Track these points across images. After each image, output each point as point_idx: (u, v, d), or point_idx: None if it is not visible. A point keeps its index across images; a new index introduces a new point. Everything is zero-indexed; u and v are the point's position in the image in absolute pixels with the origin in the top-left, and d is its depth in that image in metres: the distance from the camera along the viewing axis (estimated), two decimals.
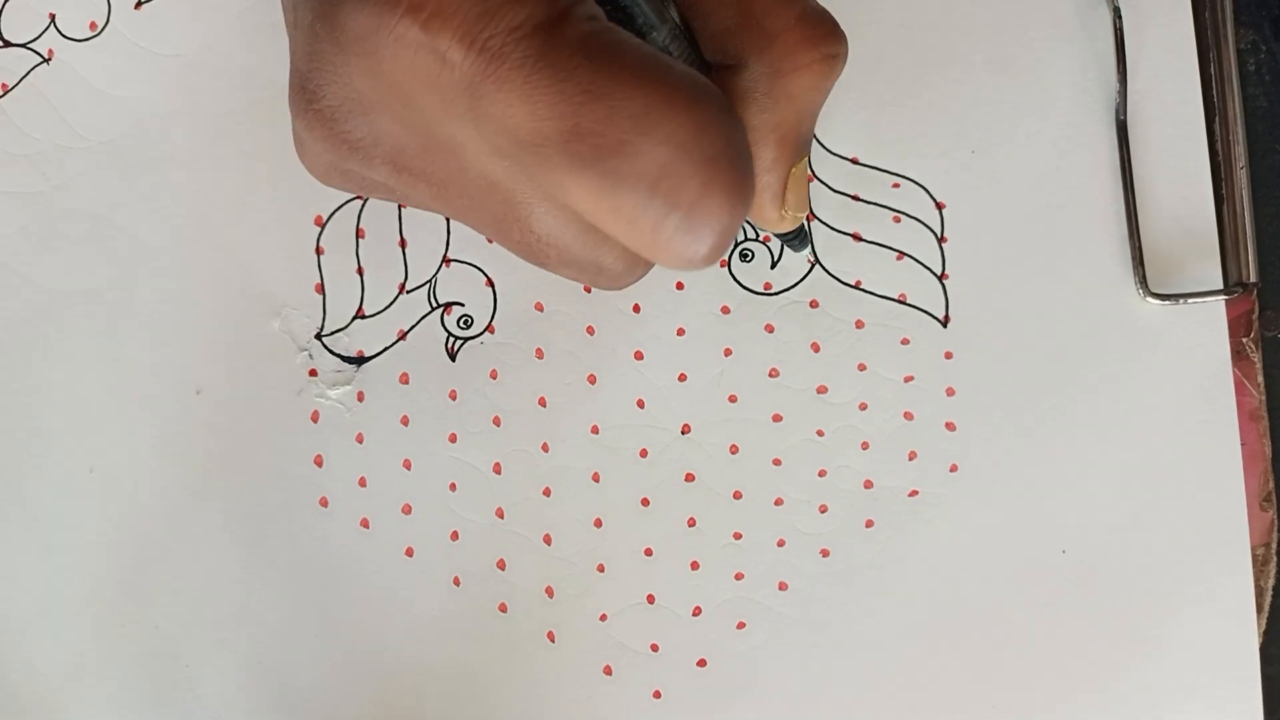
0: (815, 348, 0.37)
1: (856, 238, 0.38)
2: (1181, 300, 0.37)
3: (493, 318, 0.37)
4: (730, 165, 0.24)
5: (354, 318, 0.37)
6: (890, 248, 0.38)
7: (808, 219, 0.37)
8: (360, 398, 0.37)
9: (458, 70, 0.23)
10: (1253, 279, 0.37)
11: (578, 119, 0.23)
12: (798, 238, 0.34)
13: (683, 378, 0.37)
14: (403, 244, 0.37)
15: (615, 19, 0.25)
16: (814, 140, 0.38)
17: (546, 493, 0.37)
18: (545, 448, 0.37)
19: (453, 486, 0.37)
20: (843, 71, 0.27)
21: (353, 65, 0.25)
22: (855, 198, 0.38)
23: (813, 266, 0.37)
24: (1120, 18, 0.38)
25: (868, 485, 0.37)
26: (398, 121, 0.26)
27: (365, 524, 0.37)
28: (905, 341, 0.37)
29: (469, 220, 0.29)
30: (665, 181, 0.23)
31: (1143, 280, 0.37)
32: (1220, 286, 0.37)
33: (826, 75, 0.27)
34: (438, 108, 0.25)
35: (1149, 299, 0.37)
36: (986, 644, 0.36)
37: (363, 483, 0.37)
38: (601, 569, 0.37)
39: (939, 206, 0.38)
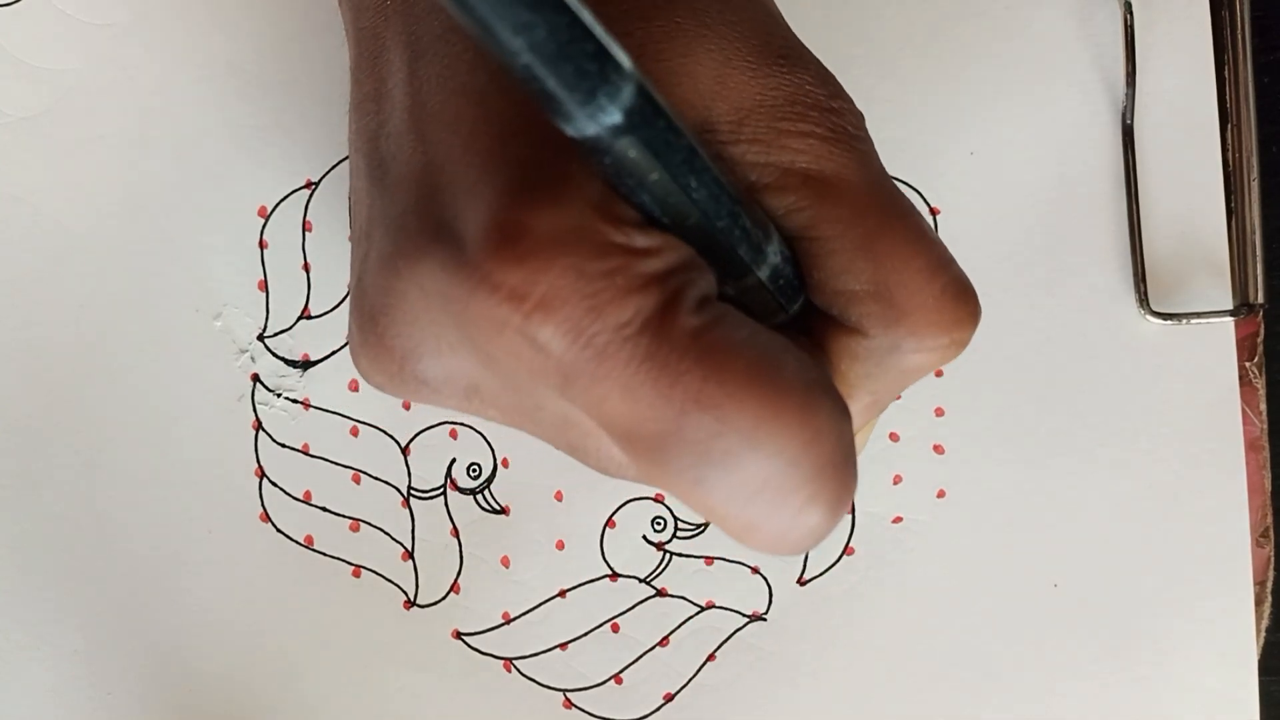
0: None
1: None
2: (1184, 320, 0.35)
3: None
4: (837, 473, 0.22)
5: (299, 318, 0.34)
6: None
7: None
8: (306, 405, 0.34)
9: (554, 360, 0.21)
10: (1260, 299, 0.35)
11: (680, 426, 0.21)
12: None
13: None
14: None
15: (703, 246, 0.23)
16: None
17: (506, 511, 0.34)
18: (505, 463, 0.34)
19: (404, 503, 0.34)
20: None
21: (435, 314, 0.23)
22: None
23: None
24: (1131, 13, 0.36)
25: (849, 510, 0.35)
26: (477, 366, 0.24)
27: (310, 541, 0.34)
28: None
29: (537, 435, 0.26)
30: (768, 493, 0.21)
31: (1144, 298, 0.35)
32: (1228, 307, 0.35)
33: (949, 358, 0.25)
34: (525, 376, 0.22)
35: (1150, 317, 0.35)
36: (971, 682, 0.35)
37: (308, 497, 0.34)
38: (563, 594, 0.34)
39: (934, 212, 0.35)
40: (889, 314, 0.24)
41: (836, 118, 0.24)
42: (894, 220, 0.24)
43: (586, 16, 0.18)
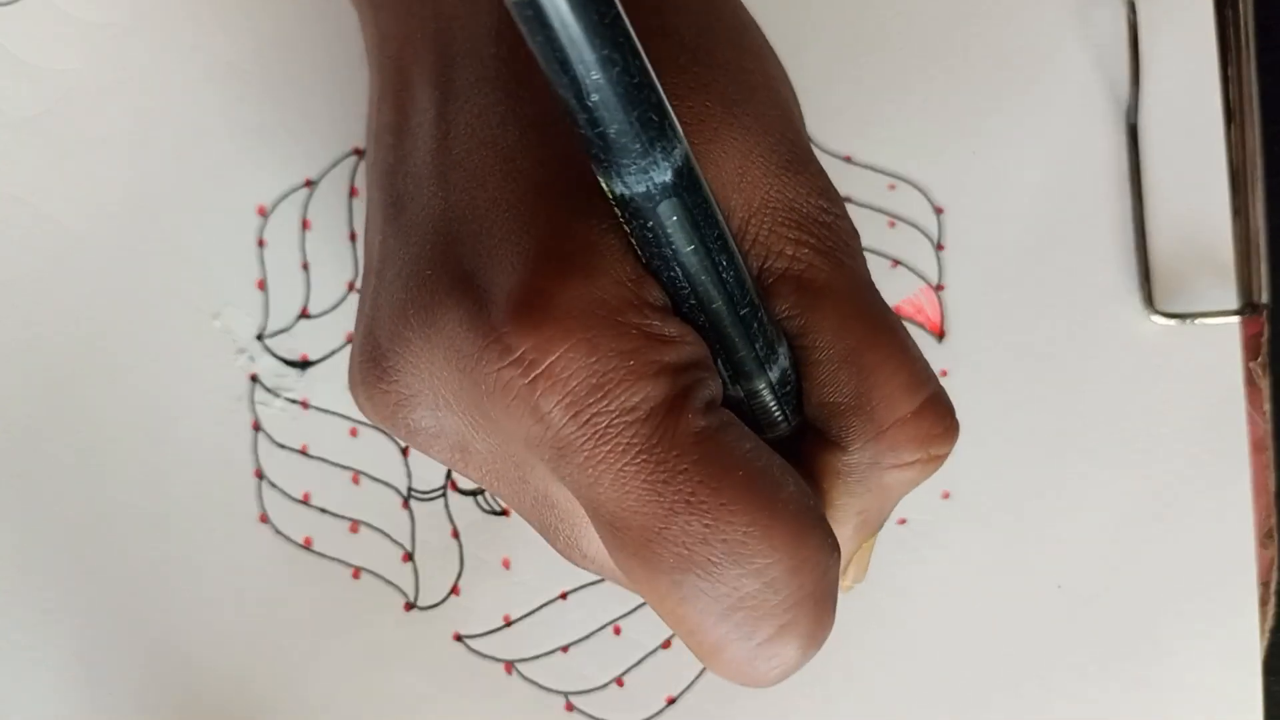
0: None
1: None
2: (1189, 320, 0.35)
3: None
4: (816, 609, 0.22)
5: (298, 317, 0.34)
6: (883, 254, 0.35)
7: None
8: (305, 405, 0.34)
9: (552, 432, 0.21)
10: (1265, 299, 0.35)
11: (667, 525, 0.20)
12: None
13: None
14: (353, 237, 0.34)
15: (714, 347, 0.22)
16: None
17: (507, 513, 0.34)
18: None
19: (405, 504, 0.34)
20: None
21: (437, 368, 0.23)
22: (847, 200, 0.35)
23: None
24: (1135, 12, 0.35)
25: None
26: (470, 427, 0.24)
27: (308, 543, 0.34)
28: None
29: (511, 505, 0.26)
30: (741, 613, 0.21)
31: (1148, 297, 0.35)
32: (1233, 306, 0.35)
33: (929, 473, 0.25)
34: (520, 444, 0.22)
35: (1155, 317, 0.35)
36: (975, 683, 0.34)
37: (306, 498, 0.34)
38: (564, 596, 0.34)
39: (938, 211, 0.35)
40: (869, 428, 0.24)
41: (830, 232, 0.24)
42: (880, 333, 0.24)
43: (651, 69, 0.18)
